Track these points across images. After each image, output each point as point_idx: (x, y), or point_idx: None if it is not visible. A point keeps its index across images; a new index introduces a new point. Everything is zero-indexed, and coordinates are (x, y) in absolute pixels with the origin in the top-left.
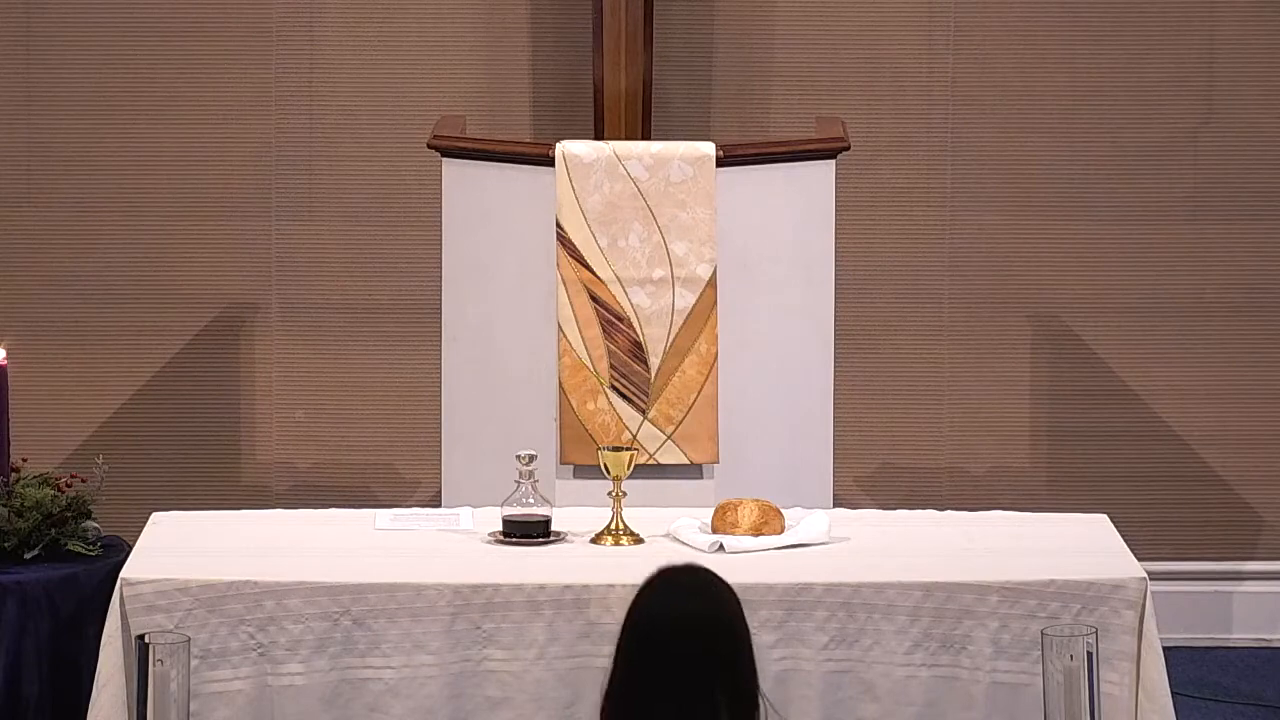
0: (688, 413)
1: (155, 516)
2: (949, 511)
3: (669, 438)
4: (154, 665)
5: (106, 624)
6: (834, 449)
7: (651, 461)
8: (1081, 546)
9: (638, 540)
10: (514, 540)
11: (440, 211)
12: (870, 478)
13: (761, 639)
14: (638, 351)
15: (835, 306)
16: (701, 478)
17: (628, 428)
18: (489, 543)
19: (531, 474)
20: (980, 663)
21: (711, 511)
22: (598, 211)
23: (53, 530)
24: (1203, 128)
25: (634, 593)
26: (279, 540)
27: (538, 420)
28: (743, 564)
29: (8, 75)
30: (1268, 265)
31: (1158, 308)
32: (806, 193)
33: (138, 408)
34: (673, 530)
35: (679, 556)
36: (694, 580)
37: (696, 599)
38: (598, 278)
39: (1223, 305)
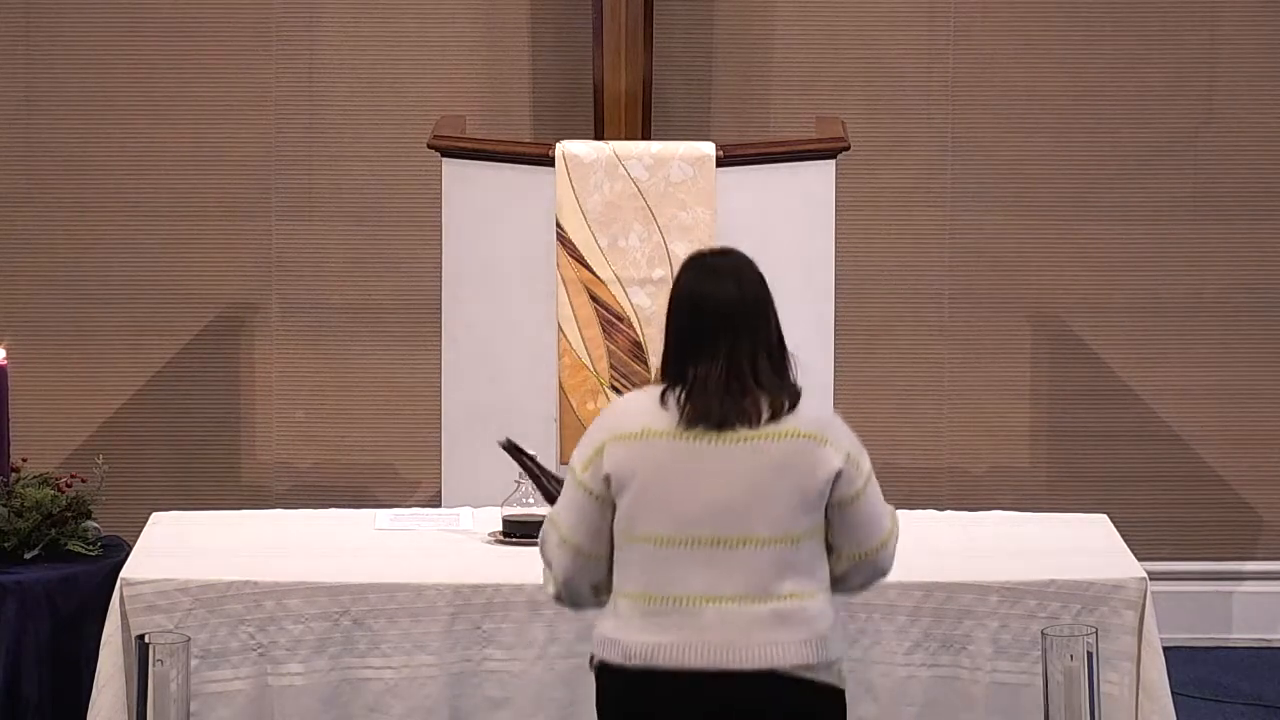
0: None
1: (155, 516)
2: (949, 511)
3: None
4: (154, 665)
5: (106, 624)
6: None
7: None
8: (1081, 546)
9: None
10: (514, 540)
11: (440, 211)
12: None
13: None
14: (638, 351)
15: (835, 306)
16: None
17: None
18: (489, 543)
19: None
20: (980, 663)
21: None
22: (598, 211)
23: (53, 530)
24: (1203, 128)
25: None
26: (279, 540)
27: (538, 420)
28: None
29: (8, 75)
30: (1268, 265)
31: (1158, 308)
32: (806, 193)
33: (138, 408)
34: None
35: None
36: (726, 263)
37: (729, 281)
38: (598, 278)
39: (1223, 305)
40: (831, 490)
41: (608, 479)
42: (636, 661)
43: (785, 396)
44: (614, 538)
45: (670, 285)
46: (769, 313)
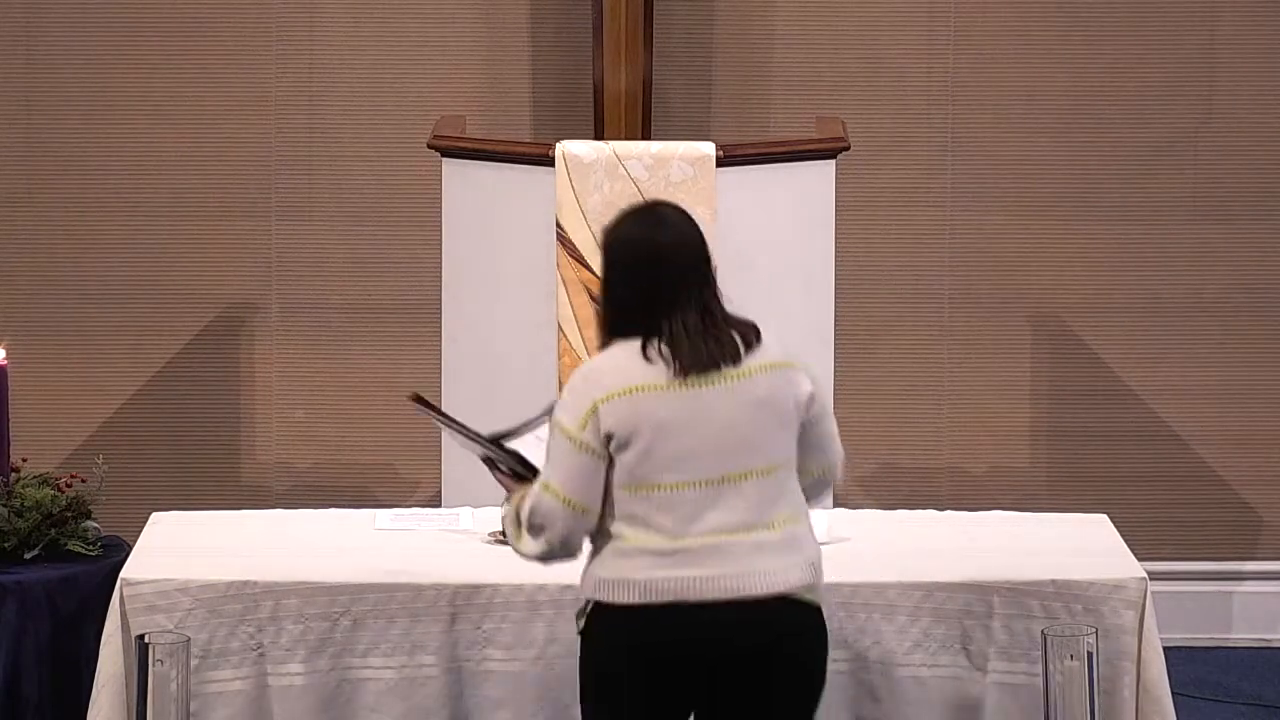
0: None
1: (155, 516)
2: (949, 511)
3: None
4: (154, 665)
5: (106, 624)
6: None
7: None
8: (1081, 546)
9: None
10: None
11: (440, 211)
12: (870, 478)
13: None
14: None
15: (835, 307)
16: None
17: None
18: (489, 543)
19: None
20: (980, 663)
21: None
22: (598, 211)
23: (53, 530)
24: (1203, 128)
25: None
26: (279, 540)
27: None
28: None
29: (8, 75)
30: (1268, 265)
31: (1158, 308)
32: (806, 193)
33: (138, 408)
34: None
35: None
36: (669, 211)
37: (679, 228)
38: (598, 278)
39: (1223, 305)
40: (805, 411)
41: (609, 437)
42: (655, 598)
43: (751, 331)
44: (612, 490)
45: None
46: (708, 262)
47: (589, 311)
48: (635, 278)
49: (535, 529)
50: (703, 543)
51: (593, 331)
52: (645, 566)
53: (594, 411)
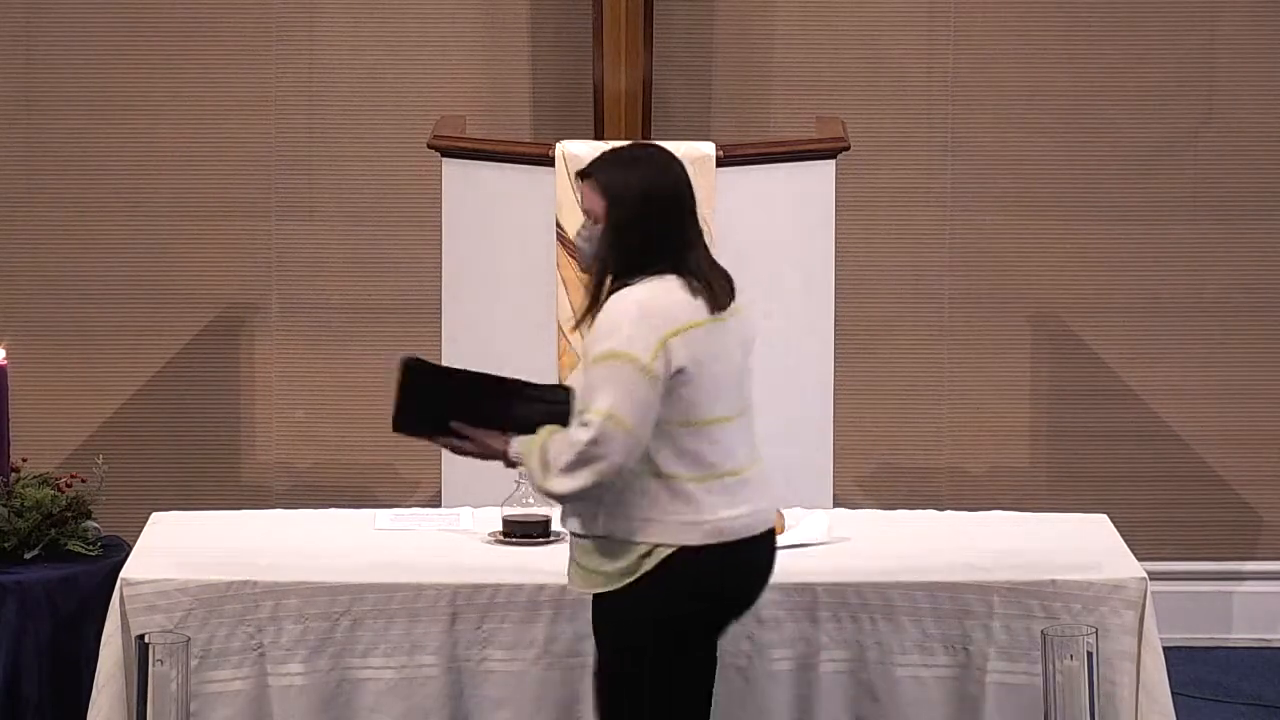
0: None
1: (155, 516)
2: (949, 511)
3: None
4: (154, 665)
5: (106, 624)
6: (834, 449)
7: None
8: (1081, 546)
9: None
10: (514, 540)
11: (440, 211)
12: (870, 478)
13: (762, 639)
14: None
15: (835, 306)
16: None
17: None
18: (489, 543)
19: None
20: (980, 663)
21: None
22: None
23: (53, 530)
24: (1203, 128)
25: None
26: (279, 540)
27: None
28: None
29: (8, 75)
30: (1268, 265)
31: (1158, 308)
32: (806, 193)
33: (138, 408)
34: None
35: None
36: (660, 153)
37: (677, 166)
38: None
39: (1223, 305)
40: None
41: (681, 371)
42: (729, 536)
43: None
44: (662, 425)
45: None
46: (692, 198)
47: None
48: (660, 215)
49: (586, 460)
50: (739, 478)
51: None
52: (708, 506)
53: (664, 344)
